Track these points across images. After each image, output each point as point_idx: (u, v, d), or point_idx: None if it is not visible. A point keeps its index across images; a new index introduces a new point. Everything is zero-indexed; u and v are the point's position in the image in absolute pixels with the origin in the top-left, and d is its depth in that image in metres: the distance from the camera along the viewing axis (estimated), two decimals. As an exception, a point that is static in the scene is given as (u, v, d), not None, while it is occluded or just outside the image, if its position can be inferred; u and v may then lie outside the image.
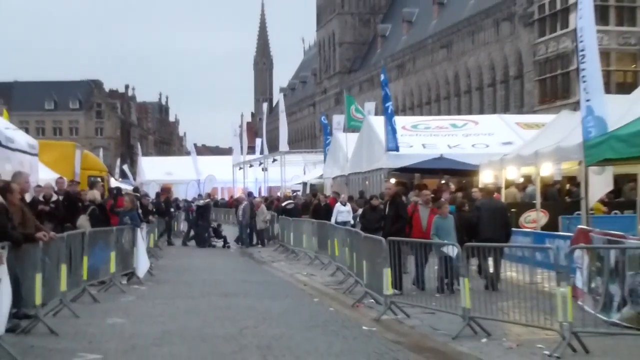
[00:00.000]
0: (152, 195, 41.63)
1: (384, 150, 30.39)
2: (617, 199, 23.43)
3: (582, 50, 17.28)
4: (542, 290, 14.14)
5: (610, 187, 21.40)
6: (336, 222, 25.24)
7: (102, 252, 19.54)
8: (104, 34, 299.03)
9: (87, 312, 15.76)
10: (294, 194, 41.65)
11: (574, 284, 13.57)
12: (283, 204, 37.71)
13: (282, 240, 34.87)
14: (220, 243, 38.16)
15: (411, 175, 29.69)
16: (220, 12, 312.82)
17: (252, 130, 62.76)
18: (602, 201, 21.63)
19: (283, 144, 51.14)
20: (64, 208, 19.67)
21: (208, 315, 15.97)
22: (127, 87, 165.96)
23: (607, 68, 56.46)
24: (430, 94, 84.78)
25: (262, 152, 57.53)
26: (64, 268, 15.39)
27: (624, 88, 46.06)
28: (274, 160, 50.28)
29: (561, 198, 23.91)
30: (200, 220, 38.10)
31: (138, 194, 33.88)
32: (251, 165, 53.12)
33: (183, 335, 13.48)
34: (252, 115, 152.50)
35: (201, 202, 38.77)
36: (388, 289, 15.73)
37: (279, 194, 42.86)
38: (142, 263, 22.99)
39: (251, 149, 59.78)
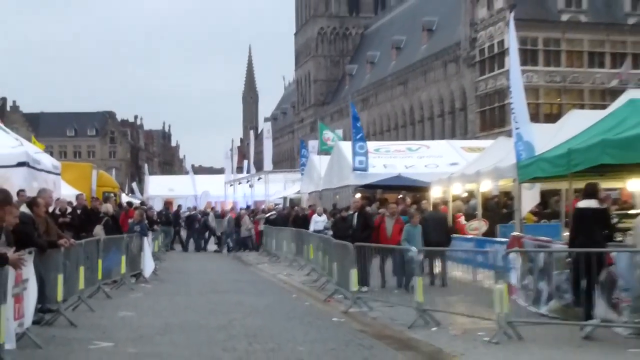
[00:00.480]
0: (157, 208, 41.51)
1: (351, 169, 30.46)
2: (544, 210, 23.49)
3: (510, 88, 17.58)
4: (483, 287, 14.25)
5: (538, 200, 21.61)
6: (314, 230, 25.22)
7: (114, 256, 19.50)
8: (118, 72, 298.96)
9: (101, 307, 15.69)
10: (276, 206, 41.61)
11: (509, 281, 13.60)
12: (266, 215, 37.72)
13: (266, 246, 34.88)
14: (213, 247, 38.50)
15: (374, 191, 29.67)
16: (215, 55, 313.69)
17: (241, 153, 62.75)
18: (532, 212, 21.72)
19: (267, 165, 51.23)
20: (81, 219, 19.64)
21: (203, 309, 15.93)
22: (136, 117, 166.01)
23: (536, 101, 56.94)
24: (390, 123, 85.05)
25: (249, 172, 57.50)
26: (82, 270, 15.34)
27: (551, 118, 46.31)
28: (259, 178, 50.31)
29: (498, 209, 23.97)
30: (187, 228, 38.11)
31: (145, 207, 33.86)
32: (240, 183, 53.06)
33: (182, 326, 13.46)
34: (241, 140, 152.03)
35: (187, 213, 38.76)
36: (354, 286, 15.79)
37: (263, 206, 42.75)
38: (148, 265, 23.01)
39: (240, 169, 59.54)
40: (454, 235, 20.85)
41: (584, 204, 12.67)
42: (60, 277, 13.40)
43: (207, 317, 14.72)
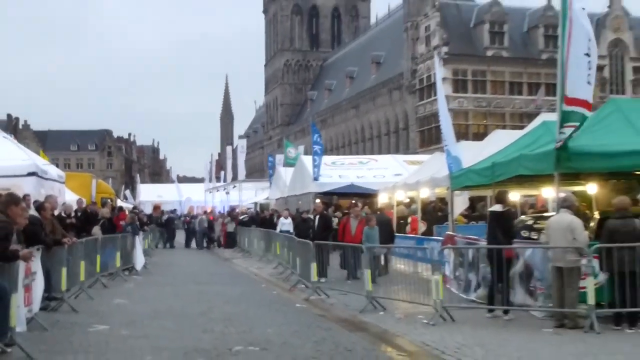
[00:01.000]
0: (147, 212, 41.29)
1: (312, 179, 30.49)
2: (473, 213, 23.65)
3: (439, 113, 17.94)
4: (422, 277, 14.25)
5: (467, 204, 21.78)
6: (280, 231, 25.17)
7: (110, 252, 19.42)
8: (114, 95, 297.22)
9: (99, 295, 15.56)
10: (248, 210, 41.56)
11: (443, 273, 13.71)
12: (240, 218, 37.74)
13: (239, 244, 34.78)
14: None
15: (331, 197, 29.72)
16: (197, 81, 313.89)
17: (219, 165, 62.07)
18: (462, 215, 21.87)
19: (241, 175, 51.25)
20: (81, 221, 19.51)
21: (186, 297, 15.83)
22: (129, 134, 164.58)
23: (466, 122, 57.48)
24: (344, 140, 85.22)
25: (225, 181, 57.28)
26: (82, 264, 15.27)
27: (478, 137, 46.52)
28: (234, 186, 50.18)
29: (435, 213, 24.08)
30: (166, 228, 37.92)
31: (136, 211, 33.74)
32: (218, 190, 52.90)
33: (169, 312, 13.38)
34: (219, 154, 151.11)
35: (166, 216, 38.60)
36: (314, 277, 15.79)
37: (237, 210, 42.63)
38: (139, 260, 22.89)
39: (218, 179, 59.19)
40: (398, 234, 20.96)
41: (492, 208, 12.93)
42: (64, 270, 13.32)
43: (190, 304, 14.63)
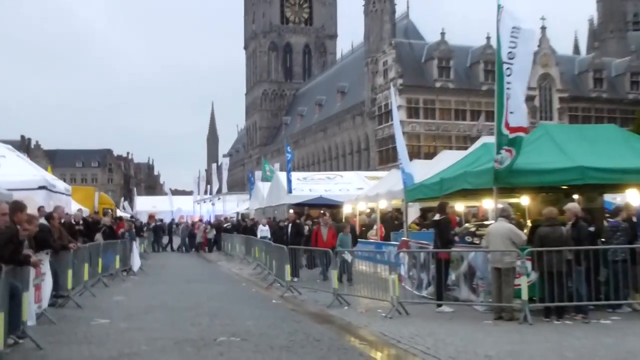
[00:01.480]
0: (143, 220, 41.01)
1: (286, 192, 30.42)
2: (424, 222, 23.70)
3: (394, 134, 18.01)
4: (381, 277, 14.29)
5: (419, 214, 21.84)
6: (260, 237, 25.02)
7: (110, 256, 19.27)
8: (114, 118, 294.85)
9: (100, 293, 15.40)
10: (230, 219, 41.35)
11: (399, 273, 13.74)
12: (224, 225, 37.68)
13: (223, 248, 34.61)
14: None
15: (302, 208, 29.63)
16: (186, 106, 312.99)
17: (206, 180, 61.91)
18: (415, 223, 21.92)
19: (224, 189, 50.80)
20: (85, 228, 19.34)
21: (177, 294, 15.70)
22: (128, 153, 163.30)
23: (418, 144, 57.79)
24: (314, 159, 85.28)
25: (211, 193, 56.86)
26: (86, 266, 15.15)
27: (428, 156, 46.61)
28: (219, 198, 49.87)
29: (392, 221, 24.13)
30: (154, 235, 37.58)
31: (133, 220, 33.63)
32: (205, 202, 52.51)
33: (162, 307, 13.27)
34: (206, 171, 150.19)
35: (153, 224, 38.34)
36: (288, 277, 15.75)
37: (222, 218, 42.41)
38: (136, 262, 22.72)
39: (205, 192, 58.88)
40: (361, 239, 20.96)
41: (435, 217, 13.06)
42: (70, 271, 13.20)
43: (180, 300, 14.52)
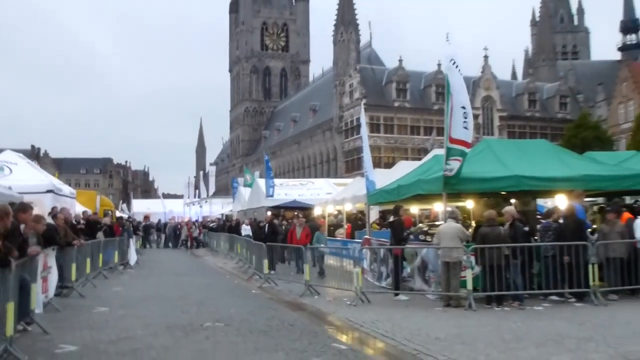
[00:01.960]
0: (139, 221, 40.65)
1: (264, 196, 30.32)
2: (384, 222, 23.79)
3: (360, 146, 17.91)
4: (346, 270, 14.27)
5: (379, 216, 21.87)
6: (243, 235, 24.86)
7: (110, 251, 19.09)
8: (115, 130, 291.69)
9: (101, 284, 15.23)
10: (216, 219, 41.10)
11: (362, 266, 13.77)
12: (210, 225, 37.52)
13: (209, 245, 34.34)
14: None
15: (279, 210, 29.56)
16: (178, 120, 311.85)
17: (194, 185, 61.11)
18: (376, 223, 21.95)
19: (211, 193, 50.60)
20: (88, 227, 19.11)
21: (168, 286, 15.59)
22: (126, 161, 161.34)
23: (379, 155, 57.76)
24: (289, 168, 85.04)
25: (199, 197, 56.48)
26: (88, 260, 14.98)
27: (388, 166, 46.77)
28: (206, 201, 49.64)
29: (356, 221, 24.15)
30: (144, 233, 37.21)
31: (131, 220, 33.31)
32: (194, 204, 52.15)
33: (155, 297, 13.15)
34: (195, 177, 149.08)
35: (143, 223, 37.98)
36: (266, 270, 15.69)
37: (208, 219, 42.12)
38: (133, 257, 22.51)
39: (194, 196, 58.36)
40: (330, 237, 20.91)
41: (390, 218, 13.17)
42: (74, 265, 13.03)
43: (171, 290, 14.40)
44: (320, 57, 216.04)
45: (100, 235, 18.84)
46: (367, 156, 17.19)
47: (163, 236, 40.07)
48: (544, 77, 74.72)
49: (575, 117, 57.19)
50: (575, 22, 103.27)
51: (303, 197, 30.61)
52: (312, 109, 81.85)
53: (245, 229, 25.30)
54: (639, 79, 58.52)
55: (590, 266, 10.78)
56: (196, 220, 44.02)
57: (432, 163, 14.13)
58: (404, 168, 18.07)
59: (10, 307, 6.87)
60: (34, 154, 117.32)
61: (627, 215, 12.04)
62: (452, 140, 11.23)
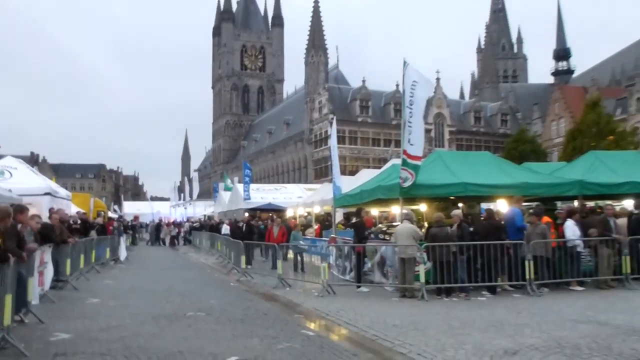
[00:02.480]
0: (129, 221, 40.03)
1: (242, 199, 30.15)
2: (348, 223, 23.83)
3: (328, 156, 17.94)
4: (315, 265, 14.30)
5: (343, 217, 21.90)
6: (223, 234, 24.67)
7: (102, 248, 18.74)
8: (107, 138, 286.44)
9: (93, 278, 14.92)
10: (199, 219, 40.71)
11: (329, 262, 13.76)
12: (193, 224, 37.17)
13: (192, 242, 33.97)
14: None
15: (255, 212, 29.42)
16: (166, 131, 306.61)
17: (180, 189, 60.34)
18: (341, 223, 21.97)
19: (195, 196, 49.99)
20: (82, 226, 18.74)
21: (155, 279, 15.37)
22: (118, 167, 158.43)
23: (344, 164, 57.81)
24: (265, 174, 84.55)
25: (184, 200, 55.89)
26: (82, 256, 14.71)
27: (352, 173, 46.73)
28: (190, 203, 49.10)
29: (324, 222, 24.18)
30: (132, 231, 36.72)
31: (122, 220, 32.79)
32: (179, 206, 51.54)
33: (142, 289, 12.94)
34: (180, 182, 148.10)
35: (130, 223, 37.48)
36: (243, 265, 15.58)
37: (192, 219, 41.70)
38: (123, 253, 22.18)
39: (179, 199, 57.71)
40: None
41: (353, 220, 13.21)
42: (69, 260, 12.75)
43: (157, 283, 14.20)
44: (293, 76, 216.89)
45: (93, 233, 18.50)
46: (335, 164, 17.23)
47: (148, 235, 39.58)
48: (488, 97, 76.04)
49: (514, 132, 58.18)
50: (515, 50, 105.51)
51: (277, 200, 30.55)
52: (286, 122, 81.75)
53: (225, 229, 25.14)
54: (569, 100, 60.01)
55: (526, 262, 10.97)
56: (174, 221, 43.57)
57: (391, 171, 14.22)
58: (366, 175, 18.19)
59: (8, 299, 6.69)
60: (33, 160, 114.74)
61: (546, 219, 12.24)
62: (407, 156, 11.35)
